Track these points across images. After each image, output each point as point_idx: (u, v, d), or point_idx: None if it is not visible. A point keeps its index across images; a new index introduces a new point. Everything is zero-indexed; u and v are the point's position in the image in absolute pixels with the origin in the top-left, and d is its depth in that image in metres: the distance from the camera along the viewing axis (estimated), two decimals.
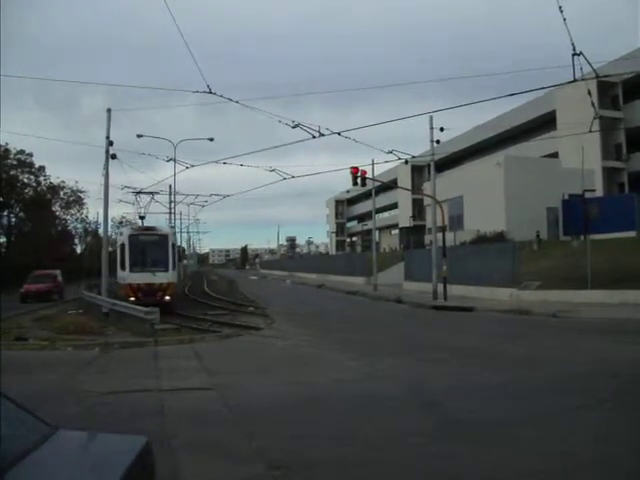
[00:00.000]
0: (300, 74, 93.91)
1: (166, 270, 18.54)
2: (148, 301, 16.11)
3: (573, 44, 9.63)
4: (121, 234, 21.09)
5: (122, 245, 18.85)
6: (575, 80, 10.03)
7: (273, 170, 15.41)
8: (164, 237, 19.10)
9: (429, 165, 28.38)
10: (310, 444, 5.18)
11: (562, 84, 12.27)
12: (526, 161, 34.29)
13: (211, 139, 33.66)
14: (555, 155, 36.99)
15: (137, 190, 22.48)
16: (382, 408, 6.46)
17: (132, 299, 17.56)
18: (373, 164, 27.25)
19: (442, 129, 22.76)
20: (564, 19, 9.23)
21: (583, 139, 18.71)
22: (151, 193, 22.80)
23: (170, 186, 30.94)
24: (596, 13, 78.48)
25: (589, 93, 12.82)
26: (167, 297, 18.25)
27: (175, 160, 22.89)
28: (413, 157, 21.99)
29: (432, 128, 22.91)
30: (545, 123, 41.72)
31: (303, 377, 8.41)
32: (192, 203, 33.61)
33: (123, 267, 18.71)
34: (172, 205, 31.76)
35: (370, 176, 24.64)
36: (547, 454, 4.78)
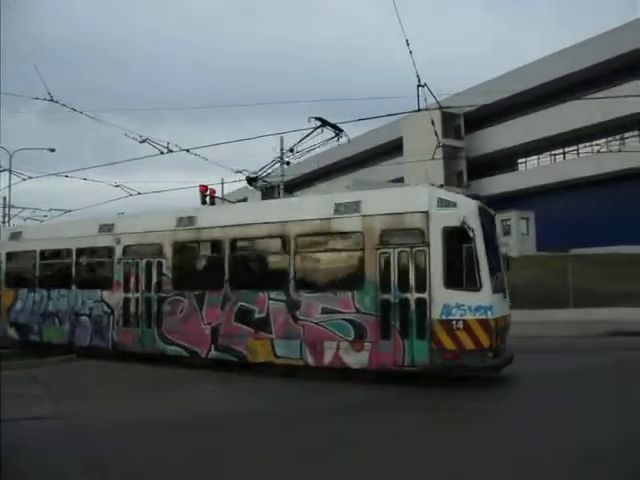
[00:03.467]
0: (163, 89, 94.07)
1: None
2: None
3: (418, 76, 10.36)
4: None
5: None
6: (419, 110, 10.53)
7: (118, 186, 15.32)
8: None
9: (279, 186, 28.95)
10: None
11: (406, 112, 13.09)
12: (373, 185, 33.87)
13: (52, 149, 29.80)
14: (401, 180, 38.25)
15: None
16: None
17: None
18: (223, 183, 28.19)
19: (292, 150, 23.24)
20: (410, 52, 10.00)
21: (427, 165, 20.06)
22: None
23: (5, 198, 29.00)
24: (442, 49, 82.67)
25: (432, 123, 13.64)
26: None
27: (10, 171, 22.16)
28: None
29: (282, 149, 23.45)
30: (393, 149, 45.11)
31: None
32: (29, 217, 30.16)
33: None
34: (6, 219, 29.29)
35: (219, 195, 24.55)
36: None
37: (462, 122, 42.60)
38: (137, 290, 12.39)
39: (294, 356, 10.21)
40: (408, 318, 9.22)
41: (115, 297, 12.72)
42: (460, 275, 9.06)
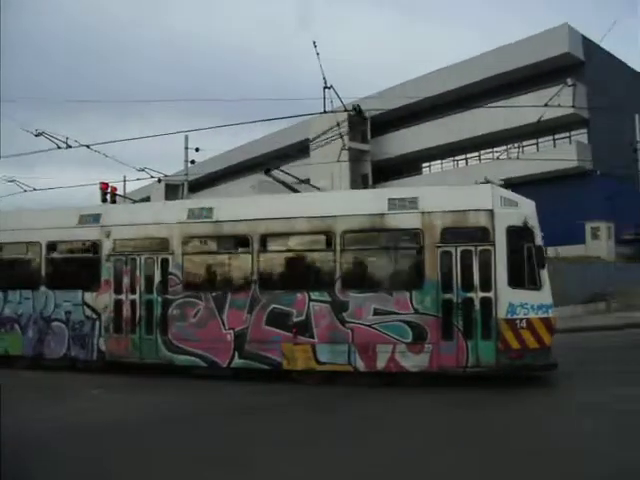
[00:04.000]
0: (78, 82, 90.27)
1: None
2: None
3: (324, 78, 10.37)
4: None
5: None
6: (325, 112, 10.56)
7: (12, 181, 14.65)
8: None
9: (183, 185, 29.54)
10: None
11: (313, 114, 13.10)
12: (279, 186, 34.93)
13: None
14: (308, 181, 40.17)
15: None
16: None
17: None
18: (125, 181, 27.75)
19: (197, 149, 24.17)
20: (317, 53, 10.04)
21: (334, 168, 20.91)
22: None
23: None
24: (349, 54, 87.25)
25: (338, 125, 13.87)
26: None
27: None
28: (166, 176, 22.47)
29: (187, 148, 23.94)
30: (300, 150, 44.72)
31: None
32: None
33: None
34: None
35: (121, 193, 24.16)
36: None
37: (369, 126, 42.86)
38: (134, 291, 10.71)
39: (341, 362, 9.48)
40: (472, 318, 9.00)
41: (103, 299, 10.87)
42: (522, 274, 9.07)
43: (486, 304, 8.97)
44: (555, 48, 30.87)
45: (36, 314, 11.29)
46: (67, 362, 11.11)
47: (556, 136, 33.96)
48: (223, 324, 10.05)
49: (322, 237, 9.84)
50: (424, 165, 45.00)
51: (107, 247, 10.95)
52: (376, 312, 9.33)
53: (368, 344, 9.35)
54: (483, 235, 9.09)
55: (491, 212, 9.09)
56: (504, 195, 9.32)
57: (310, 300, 9.63)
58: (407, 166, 44.42)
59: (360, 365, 9.39)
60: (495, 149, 35.75)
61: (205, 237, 10.60)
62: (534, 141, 35.23)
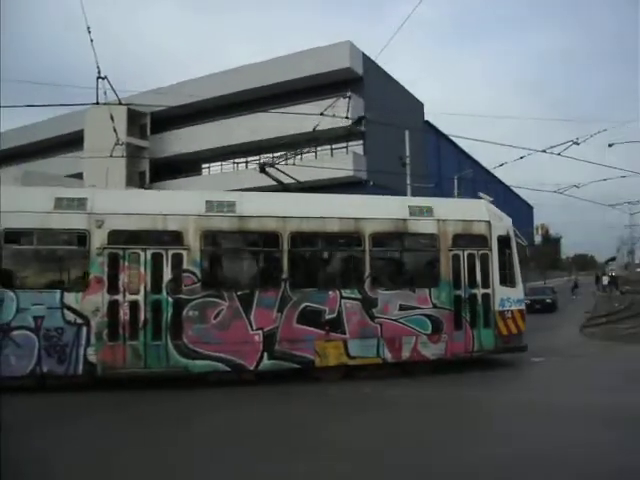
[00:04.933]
0: None
1: None
2: None
3: (98, 67, 9.68)
4: None
5: None
6: (98, 103, 9.87)
7: None
8: None
9: None
10: None
11: (84, 104, 12.40)
12: (48, 179, 30.03)
13: None
14: (80, 176, 37.32)
15: None
16: None
17: None
18: None
19: None
20: (91, 40, 9.21)
21: (110, 163, 19.61)
22: None
23: None
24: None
25: (112, 118, 12.80)
26: None
27: None
28: None
29: None
30: (74, 141, 42.78)
31: None
32: None
33: None
34: None
35: None
36: None
37: (149, 121, 41.11)
38: (135, 291, 9.25)
39: (371, 355, 10.10)
40: (476, 311, 10.76)
41: (92, 301, 9.04)
42: (506, 274, 11.24)
43: (486, 299, 10.85)
44: (337, 62, 31.94)
45: None
46: (34, 381, 8.84)
47: (334, 146, 35.05)
48: (250, 324, 9.58)
49: (353, 237, 10.33)
50: (204, 166, 42.94)
51: (98, 239, 9.18)
52: (401, 307, 10.28)
53: (394, 337, 10.22)
54: (483, 242, 10.97)
55: (489, 223, 11.05)
56: (493, 210, 11.40)
57: (342, 298, 10.00)
58: (187, 166, 41.57)
59: (388, 356, 10.18)
60: (275, 154, 36.42)
61: (228, 232, 9.87)
62: (313, 149, 34.96)
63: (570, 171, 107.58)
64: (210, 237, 9.73)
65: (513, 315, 11.12)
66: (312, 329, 9.82)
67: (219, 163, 43.15)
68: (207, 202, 9.81)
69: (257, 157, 41.46)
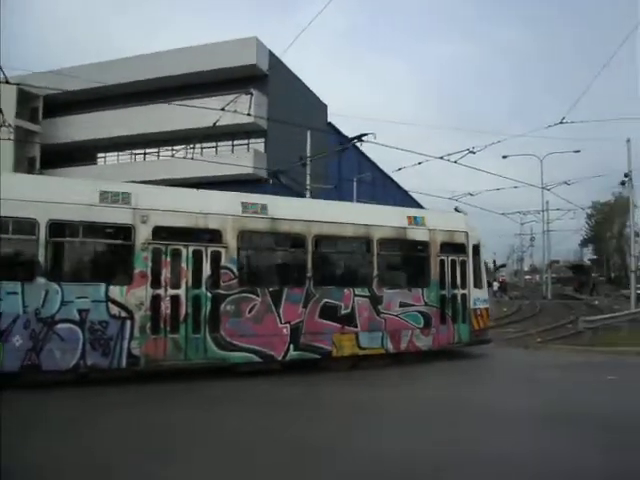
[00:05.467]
0: None
1: None
2: None
3: None
4: None
5: None
6: None
7: None
8: None
9: None
10: None
11: None
12: None
13: None
14: None
15: None
16: None
17: None
18: None
19: None
20: None
21: None
22: None
23: None
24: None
25: None
26: None
27: None
28: None
29: None
30: None
31: None
32: None
33: None
34: None
35: None
36: None
37: (41, 104, 38.43)
38: (177, 285, 9.58)
39: (376, 346, 11.45)
40: (457, 308, 12.63)
41: (137, 294, 9.20)
42: (476, 277, 13.27)
43: (464, 298, 12.78)
44: (243, 58, 31.45)
45: (28, 314, 8.43)
46: (77, 375, 8.78)
47: (236, 142, 34.91)
48: (280, 318, 10.39)
49: (363, 241, 11.58)
50: (99, 155, 40.80)
51: (143, 234, 9.34)
52: (401, 305, 11.78)
53: (395, 330, 11.68)
54: (462, 249, 12.89)
55: (467, 233, 12.99)
56: (468, 222, 13.38)
57: (355, 295, 11.23)
58: (82, 154, 39.06)
59: (389, 347, 11.60)
60: (174, 147, 30.61)
61: (262, 233, 10.53)
62: (214, 144, 35.35)
63: (471, 180, 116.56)
64: (246, 236, 10.35)
65: (482, 312, 13.21)
66: (331, 323, 10.90)
67: (116, 153, 41.12)
68: (242, 203, 10.41)
69: (156, 149, 40.44)
